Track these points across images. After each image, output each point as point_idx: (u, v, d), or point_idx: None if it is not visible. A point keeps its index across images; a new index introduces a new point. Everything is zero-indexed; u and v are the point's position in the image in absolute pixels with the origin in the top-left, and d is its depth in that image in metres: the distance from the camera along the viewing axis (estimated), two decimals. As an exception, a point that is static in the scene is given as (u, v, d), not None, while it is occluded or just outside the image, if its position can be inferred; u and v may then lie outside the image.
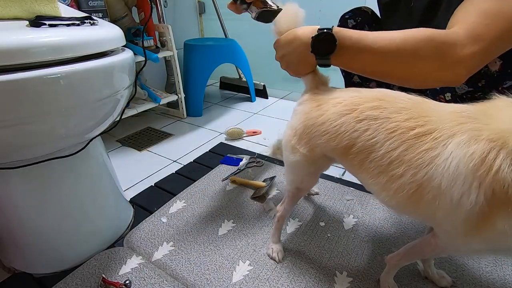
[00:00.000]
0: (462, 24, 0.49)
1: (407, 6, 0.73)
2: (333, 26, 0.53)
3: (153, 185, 1.03)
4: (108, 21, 0.73)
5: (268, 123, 1.53)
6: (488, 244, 0.41)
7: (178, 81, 1.53)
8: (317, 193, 0.94)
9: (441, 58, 0.48)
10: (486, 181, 0.35)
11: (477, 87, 0.63)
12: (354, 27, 0.85)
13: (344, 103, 0.49)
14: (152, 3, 1.40)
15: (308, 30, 0.54)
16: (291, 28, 0.57)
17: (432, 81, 0.51)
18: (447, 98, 0.69)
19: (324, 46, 0.52)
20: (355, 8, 0.87)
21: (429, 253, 0.55)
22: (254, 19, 0.64)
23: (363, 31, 0.52)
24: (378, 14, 0.90)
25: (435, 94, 0.71)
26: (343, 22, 0.87)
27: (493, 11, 0.47)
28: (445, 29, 0.51)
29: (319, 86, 0.57)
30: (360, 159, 0.47)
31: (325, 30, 0.51)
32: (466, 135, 0.38)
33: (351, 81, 0.91)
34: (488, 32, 0.46)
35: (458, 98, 0.67)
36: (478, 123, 0.38)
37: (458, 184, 0.38)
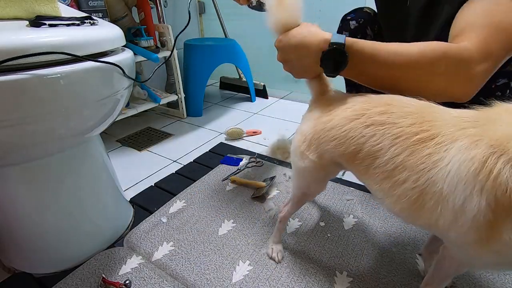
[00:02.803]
0: (472, 38, 0.48)
1: (403, 6, 0.73)
2: (345, 38, 0.49)
3: (153, 185, 1.03)
4: (108, 21, 0.73)
5: (268, 123, 1.53)
6: (501, 257, 0.38)
7: (178, 81, 1.53)
8: (317, 193, 0.94)
9: (456, 76, 0.48)
10: (487, 185, 0.35)
11: None
12: (356, 29, 0.84)
13: (353, 108, 0.48)
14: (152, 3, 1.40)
15: (318, 39, 0.50)
16: (289, 23, 0.52)
17: (443, 97, 0.50)
18: None
19: (334, 63, 0.49)
20: (357, 9, 0.86)
21: (449, 268, 0.50)
22: (250, 7, 0.62)
23: (376, 43, 0.50)
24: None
25: None
26: (345, 23, 0.86)
27: (503, 24, 0.47)
28: (443, 31, 0.51)
29: (326, 90, 0.56)
30: (366, 165, 0.46)
31: (335, 46, 0.48)
32: (467, 140, 0.37)
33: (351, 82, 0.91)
34: (499, 49, 0.47)
35: None
36: (479, 128, 0.38)
37: (459, 189, 0.37)
